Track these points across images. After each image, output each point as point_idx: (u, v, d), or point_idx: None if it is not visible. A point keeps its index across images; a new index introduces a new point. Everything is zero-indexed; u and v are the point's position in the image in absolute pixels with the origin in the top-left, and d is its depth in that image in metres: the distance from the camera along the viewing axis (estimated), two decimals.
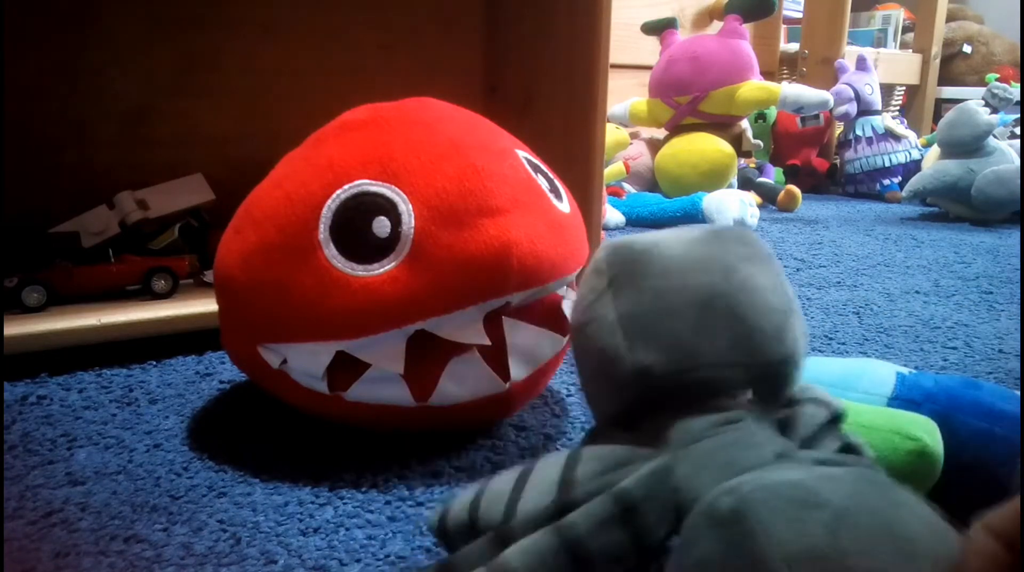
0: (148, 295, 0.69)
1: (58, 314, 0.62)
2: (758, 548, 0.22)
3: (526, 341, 0.46)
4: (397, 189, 0.42)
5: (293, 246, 0.42)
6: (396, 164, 0.43)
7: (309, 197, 0.43)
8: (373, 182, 0.42)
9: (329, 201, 0.42)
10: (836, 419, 0.32)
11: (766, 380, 0.30)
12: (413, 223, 0.42)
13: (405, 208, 0.42)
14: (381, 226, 0.42)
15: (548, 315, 0.48)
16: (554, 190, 0.48)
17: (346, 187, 0.42)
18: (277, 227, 0.43)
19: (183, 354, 0.64)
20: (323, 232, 0.42)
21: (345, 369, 0.44)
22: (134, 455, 0.47)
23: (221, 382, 0.59)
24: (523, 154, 0.48)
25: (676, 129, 1.58)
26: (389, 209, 0.42)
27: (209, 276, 0.74)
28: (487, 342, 0.44)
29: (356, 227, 0.42)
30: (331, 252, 0.42)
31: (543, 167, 0.50)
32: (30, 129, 0.78)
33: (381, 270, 0.42)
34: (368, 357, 0.43)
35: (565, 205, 0.49)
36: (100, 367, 0.61)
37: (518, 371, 0.45)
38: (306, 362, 0.44)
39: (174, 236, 0.77)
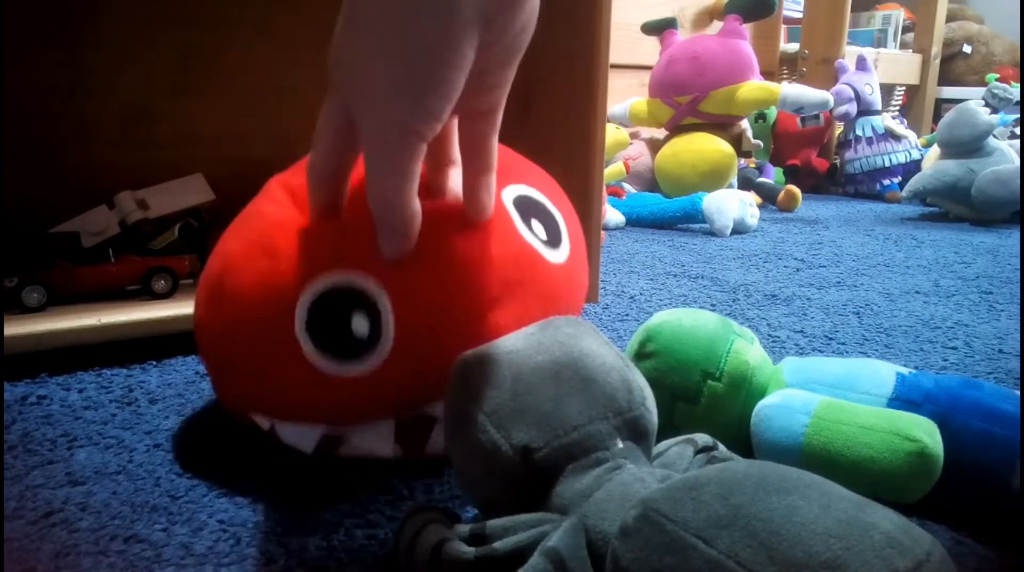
0: (148, 295, 0.69)
1: (58, 314, 0.62)
2: (668, 534, 0.25)
3: None
4: (375, 281, 0.39)
5: (271, 335, 0.40)
6: (374, 252, 0.39)
7: (283, 287, 0.39)
8: (350, 272, 0.39)
9: (304, 295, 0.39)
10: (705, 450, 0.36)
11: (629, 427, 0.33)
12: (393, 321, 0.39)
13: (385, 304, 0.39)
14: (360, 324, 0.39)
15: None
16: (551, 236, 0.45)
17: (320, 280, 0.39)
18: (254, 311, 0.40)
19: (183, 354, 0.64)
20: (299, 328, 0.39)
21: (335, 441, 0.43)
22: (134, 455, 0.47)
23: None
24: (515, 193, 0.44)
25: (676, 129, 1.58)
26: (367, 304, 0.39)
27: None
28: None
29: (333, 324, 0.39)
30: (309, 349, 0.39)
31: (538, 199, 0.46)
32: (30, 129, 0.78)
33: (363, 368, 0.39)
34: (356, 442, 0.42)
35: (563, 251, 0.45)
36: (100, 367, 0.61)
37: None
38: (293, 436, 0.43)
39: (174, 236, 0.77)
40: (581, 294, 0.48)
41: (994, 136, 1.43)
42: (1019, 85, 1.85)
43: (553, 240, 0.45)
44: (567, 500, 0.31)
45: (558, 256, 0.45)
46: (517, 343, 0.35)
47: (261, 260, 0.41)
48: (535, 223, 0.45)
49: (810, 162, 1.87)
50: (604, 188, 0.91)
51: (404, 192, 0.34)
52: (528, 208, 0.45)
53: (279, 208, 0.43)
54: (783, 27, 2.16)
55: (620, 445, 0.32)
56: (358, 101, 0.33)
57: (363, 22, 0.31)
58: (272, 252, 0.41)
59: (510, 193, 0.44)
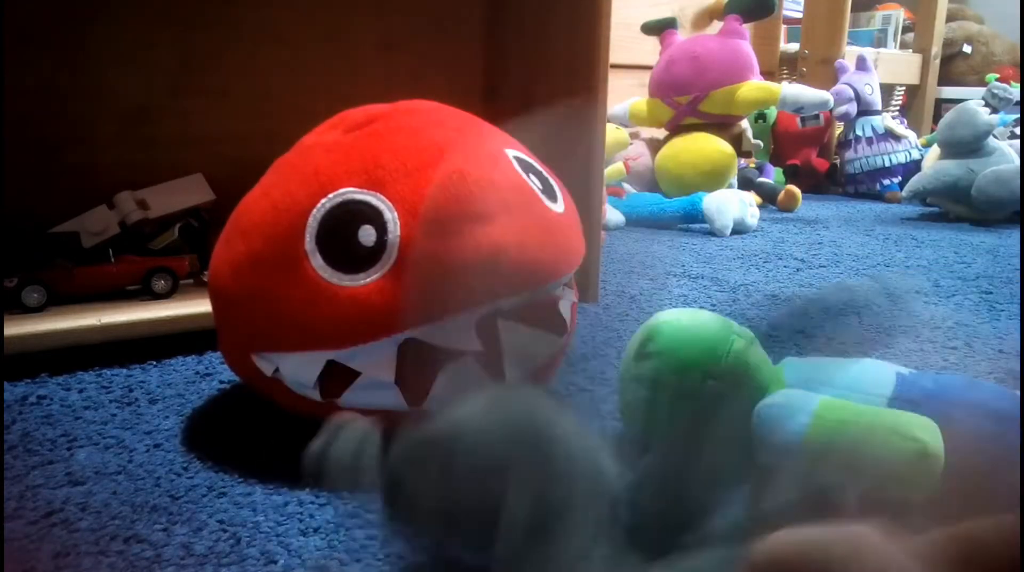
0: (148, 295, 0.69)
1: (58, 314, 0.62)
2: None
3: (522, 344, 0.46)
4: (383, 197, 0.42)
5: (280, 256, 0.42)
6: (382, 171, 0.42)
7: (295, 206, 0.42)
8: (358, 190, 0.42)
9: (315, 210, 0.42)
10: None
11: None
12: (399, 231, 0.41)
13: (391, 216, 0.41)
14: (367, 235, 0.41)
15: (544, 316, 0.48)
16: (548, 190, 0.48)
17: (331, 196, 0.42)
18: (264, 237, 0.43)
19: (183, 354, 0.64)
20: (309, 242, 0.42)
21: (337, 376, 0.43)
22: (134, 455, 0.47)
23: (221, 382, 0.59)
24: (515, 153, 0.47)
25: (676, 129, 1.58)
26: (374, 217, 0.41)
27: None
28: (480, 348, 0.43)
29: (342, 236, 0.41)
30: (318, 262, 0.41)
31: (536, 165, 0.49)
32: (31, 129, 0.78)
33: (368, 280, 0.41)
34: (359, 366, 0.43)
35: (560, 204, 0.48)
36: (100, 367, 0.61)
37: (514, 374, 0.45)
38: (297, 371, 0.44)
39: (174, 236, 0.77)
40: (578, 250, 0.49)
41: (994, 136, 1.43)
42: (1019, 85, 1.85)
43: (550, 194, 0.47)
44: None
45: (556, 206, 0.47)
46: (462, 427, 0.30)
47: (274, 193, 0.44)
48: (532, 178, 0.46)
49: (810, 162, 1.87)
50: (604, 188, 0.91)
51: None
52: (526, 166, 0.47)
53: (296, 150, 0.48)
54: (783, 27, 2.16)
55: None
56: None
57: None
58: (286, 187, 0.44)
59: (511, 152, 0.47)
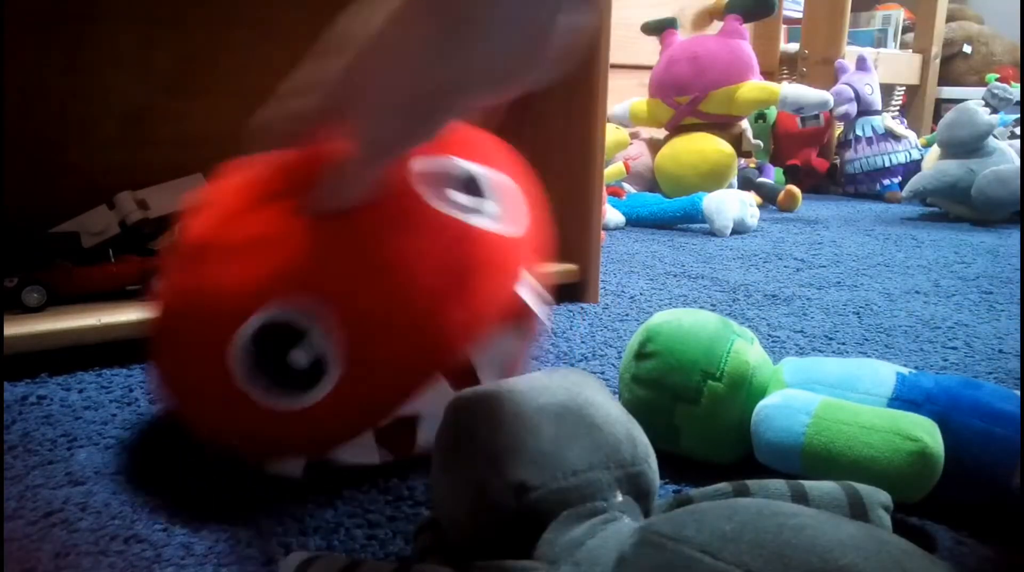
0: (148, 295, 0.69)
1: (58, 314, 0.62)
2: (670, 552, 0.24)
3: (493, 355, 0.43)
4: (312, 314, 0.37)
5: (213, 384, 0.39)
6: (311, 279, 0.38)
7: (217, 323, 0.38)
8: (285, 306, 0.37)
9: (238, 335, 0.37)
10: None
11: (630, 481, 0.32)
12: (335, 350, 0.37)
13: (325, 338, 0.37)
14: (299, 358, 0.37)
15: (508, 316, 0.44)
16: (473, 198, 0.42)
17: (255, 318, 0.37)
18: (196, 348, 0.39)
19: None
20: (240, 370, 0.38)
21: (319, 462, 0.42)
22: (134, 455, 0.47)
23: None
24: (421, 167, 0.41)
25: (676, 129, 1.58)
26: (305, 338, 0.37)
27: None
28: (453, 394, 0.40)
29: (272, 359, 0.37)
30: (257, 393, 0.38)
31: (457, 166, 0.43)
32: (30, 129, 0.78)
33: (316, 397, 0.38)
34: (342, 457, 0.41)
35: (488, 205, 0.42)
36: (100, 367, 0.61)
37: (489, 374, 0.43)
38: (279, 468, 0.42)
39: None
40: (527, 252, 0.45)
41: (994, 136, 1.43)
42: (1019, 85, 1.85)
43: (478, 202, 0.43)
44: (557, 549, 0.29)
45: (490, 223, 0.42)
46: (520, 384, 0.34)
47: (205, 282, 0.39)
48: (451, 192, 0.42)
49: (810, 162, 1.87)
50: (604, 188, 0.91)
51: (362, 185, 0.38)
52: (440, 179, 0.42)
53: (211, 217, 0.43)
54: (783, 27, 2.16)
55: (619, 498, 0.31)
56: (357, 115, 0.36)
57: (382, 66, 0.34)
58: (201, 280, 0.40)
59: (418, 169, 0.41)
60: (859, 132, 1.76)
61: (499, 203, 0.43)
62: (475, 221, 0.41)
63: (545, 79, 0.35)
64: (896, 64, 2.21)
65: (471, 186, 0.43)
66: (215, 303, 0.38)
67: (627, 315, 0.78)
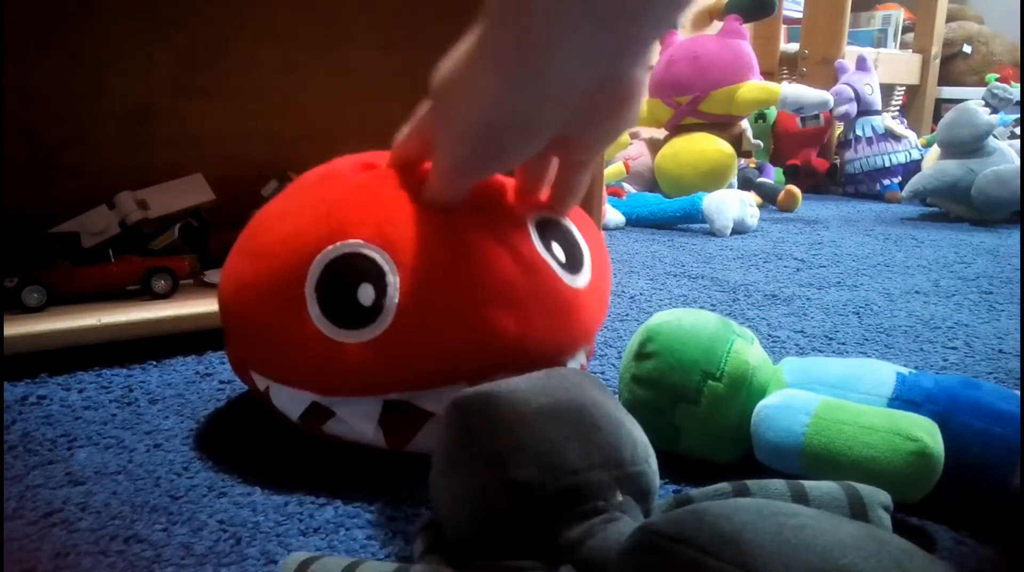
0: (148, 295, 0.69)
1: (58, 314, 0.62)
2: (669, 553, 0.24)
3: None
4: (389, 257, 0.40)
5: (281, 292, 0.41)
6: (393, 230, 0.41)
7: (302, 246, 0.41)
8: (366, 244, 0.40)
9: (319, 256, 0.41)
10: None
11: (630, 482, 0.32)
12: (397, 298, 0.39)
13: (392, 280, 0.40)
14: (365, 294, 0.40)
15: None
16: (571, 259, 0.45)
17: (338, 245, 0.41)
18: (269, 269, 0.42)
19: (183, 354, 0.64)
20: (309, 287, 0.41)
21: (321, 412, 0.43)
22: (134, 455, 0.47)
23: (221, 382, 0.59)
24: (539, 217, 0.45)
25: (676, 129, 1.58)
26: (376, 277, 0.40)
27: (209, 276, 0.74)
28: None
29: (340, 289, 0.40)
30: (314, 310, 0.40)
31: (566, 229, 0.47)
32: (30, 129, 0.78)
33: (360, 338, 0.40)
34: (342, 413, 0.42)
35: (582, 277, 0.45)
36: (100, 367, 0.61)
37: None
38: (284, 400, 0.44)
39: (174, 236, 0.77)
40: (594, 323, 0.47)
41: (994, 136, 1.43)
42: (1019, 85, 1.85)
43: (573, 265, 0.45)
44: (559, 549, 0.29)
45: (576, 281, 0.45)
46: (520, 384, 0.34)
47: (289, 222, 0.43)
48: (555, 246, 0.45)
49: (810, 162, 1.87)
50: (604, 188, 0.91)
51: (452, 196, 0.42)
52: (550, 231, 0.45)
53: (324, 175, 0.46)
54: (783, 27, 2.16)
55: (619, 498, 0.31)
56: (444, 136, 0.40)
57: (477, 86, 0.36)
58: (299, 220, 0.43)
59: (534, 217, 0.45)
60: (859, 132, 1.76)
61: (591, 276, 0.46)
62: (560, 272, 0.44)
63: (600, 128, 0.39)
64: (896, 64, 2.21)
65: (573, 250, 0.46)
66: (296, 241, 0.42)
67: (627, 315, 0.78)
